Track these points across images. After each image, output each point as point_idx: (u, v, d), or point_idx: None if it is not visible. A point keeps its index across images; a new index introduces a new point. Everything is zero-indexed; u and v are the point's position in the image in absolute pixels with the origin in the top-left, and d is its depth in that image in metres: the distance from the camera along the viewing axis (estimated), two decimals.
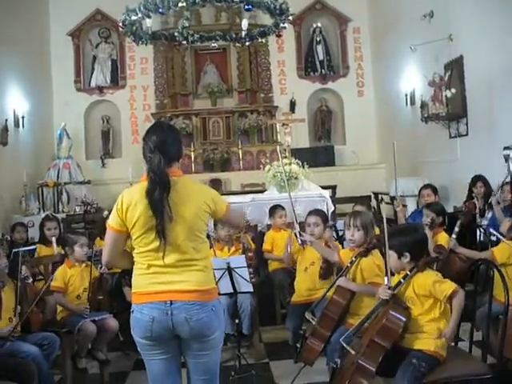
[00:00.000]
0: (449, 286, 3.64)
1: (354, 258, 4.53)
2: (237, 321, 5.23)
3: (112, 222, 3.30)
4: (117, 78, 15.12)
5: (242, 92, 14.84)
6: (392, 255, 3.82)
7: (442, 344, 3.66)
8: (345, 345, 3.80)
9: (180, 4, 6.38)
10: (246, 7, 6.62)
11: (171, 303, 3.18)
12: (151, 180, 3.18)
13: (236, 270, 4.82)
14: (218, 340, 3.36)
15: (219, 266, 4.89)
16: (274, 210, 7.13)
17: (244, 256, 5.03)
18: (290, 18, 7.18)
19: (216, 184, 13.26)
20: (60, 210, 11.86)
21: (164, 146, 3.27)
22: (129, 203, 3.25)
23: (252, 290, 5.05)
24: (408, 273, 3.71)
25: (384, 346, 3.57)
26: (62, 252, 5.89)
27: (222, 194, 9.63)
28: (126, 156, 14.36)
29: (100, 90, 14.96)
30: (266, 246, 6.96)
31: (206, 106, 14.67)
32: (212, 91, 14.57)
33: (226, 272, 4.89)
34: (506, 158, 1.65)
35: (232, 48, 14.50)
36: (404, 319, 3.59)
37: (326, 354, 4.39)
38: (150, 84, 14.90)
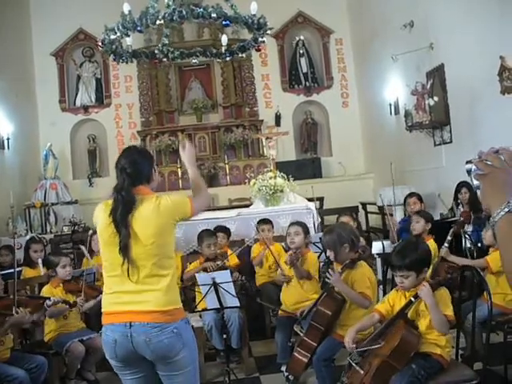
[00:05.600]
0: (449, 311, 3.66)
1: (340, 270, 4.54)
2: (224, 336, 5.21)
3: None
4: (102, 97, 15.09)
5: (227, 107, 14.85)
6: (412, 275, 3.75)
7: (447, 351, 3.71)
8: (353, 363, 3.78)
9: (158, 22, 6.40)
10: (224, 23, 6.64)
11: (130, 325, 3.18)
12: (115, 199, 3.31)
13: (221, 285, 4.82)
14: (185, 361, 3.30)
15: (205, 281, 4.90)
16: (258, 224, 7.14)
17: (229, 271, 5.01)
18: (269, 32, 7.21)
19: None
20: (48, 230, 11.81)
21: (130, 167, 3.40)
22: (96, 218, 3.44)
23: (238, 304, 5.03)
24: (418, 291, 3.68)
25: (396, 367, 3.57)
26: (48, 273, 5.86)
27: (214, 210, 9.56)
28: (114, 174, 14.18)
29: (85, 109, 14.93)
30: (253, 255, 7.00)
31: (191, 122, 14.64)
32: (197, 107, 14.56)
33: (212, 287, 4.88)
34: (469, 172, 1.65)
35: (216, 64, 14.50)
36: (416, 340, 3.60)
37: (313, 365, 4.39)
38: (135, 102, 14.89)
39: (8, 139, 12.25)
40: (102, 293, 5.48)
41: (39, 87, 14.64)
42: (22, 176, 12.95)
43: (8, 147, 12.26)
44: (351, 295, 4.42)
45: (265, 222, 7.11)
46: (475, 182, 1.67)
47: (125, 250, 3.21)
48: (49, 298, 5.07)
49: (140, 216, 3.28)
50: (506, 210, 1.50)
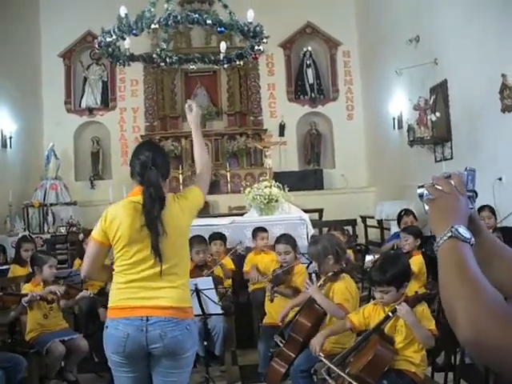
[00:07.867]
0: (432, 325, 3.61)
1: (322, 282, 4.49)
2: (205, 343, 5.15)
3: (95, 233, 3.32)
4: (107, 100, 15.16)
5: (231, 115, 14.86)
6: (392, 290, 3.67)
7: (421, 369, 3.63)
8: (327, 377, 3.72)
9: (153, 26, 6.40)
10: (219, 29, 6.61)
11: (147, 319, 3.17)
12: (150, 196, 3.22)
13: (203, 291, 4.77)
14: (189, 360, 3.35)
15: None
16: (256, 231, 7.08)
17: (211, 277, 4.97)
18: (265, 40, 7.16)
19: (204, 206, 13.19)
20: (45, 230, 11.82)
21: (160, 162, 3.37)
22: (113, 217, 3.27)
23: (221, 311, 4.98)
24: (397, 307, 3.60)
25: (369, 381, 3.50)
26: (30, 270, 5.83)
27: (209, 217, 9.51)
28: (116, 177, 14.30)
29: (90, 111, 14.98)
30: (245, 268, 6.92)
31: None
32: (202, 114, 14.52)
33: (194, 294, 4.83)
34: (420, 197, 1.62)
35: (222, 71, 14.46)
36: (391, 356, 3.54)
37: (291, 376, 4.35)
38: (140, 106, 14.94)
39: (11, 138, 12.29)
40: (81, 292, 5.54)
41: (46, 87, 14.72)
42: (23, 175, 12.97)
43: (11, 146, 12.29)
44: (328, 306, 4.36)
45: (263, 230, 7.03)
46: (426, 207, 1.64)
47: (157, 247, 3.18)
48: (26, 295, 5.06)
49: (168, 215, 3.24)
50: (449, 235, 1.46)
